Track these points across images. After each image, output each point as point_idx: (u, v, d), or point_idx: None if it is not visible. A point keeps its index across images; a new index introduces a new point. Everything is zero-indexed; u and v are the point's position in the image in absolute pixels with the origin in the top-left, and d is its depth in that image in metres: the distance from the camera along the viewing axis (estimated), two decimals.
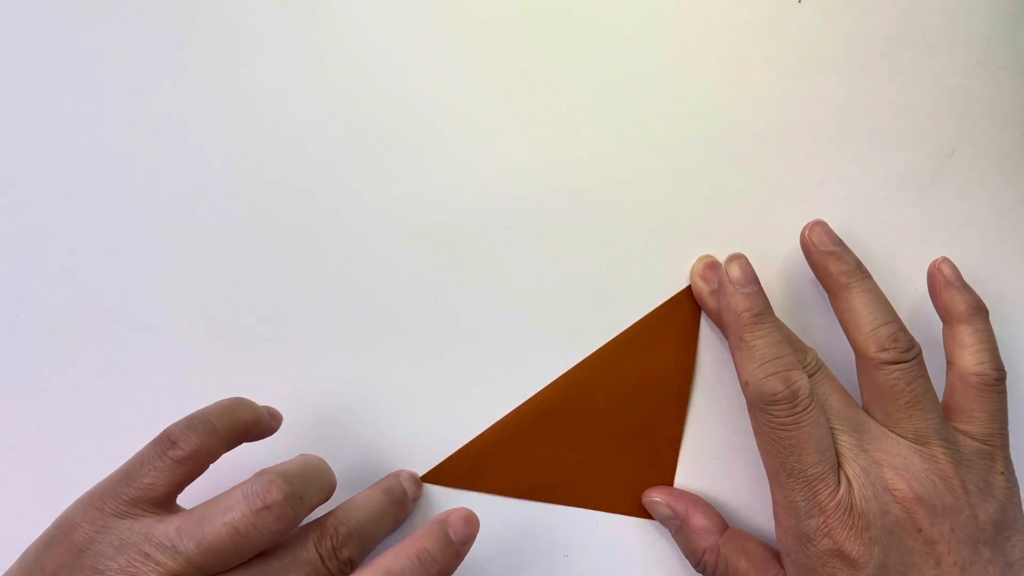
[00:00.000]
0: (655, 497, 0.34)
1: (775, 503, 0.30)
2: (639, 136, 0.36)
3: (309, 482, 0.29)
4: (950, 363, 0.32)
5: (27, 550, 0.28)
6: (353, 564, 0.29)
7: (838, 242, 0.33)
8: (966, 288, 0.33)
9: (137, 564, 0.26)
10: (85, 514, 0.27)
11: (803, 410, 0.29)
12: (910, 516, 0.28)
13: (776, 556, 0.32)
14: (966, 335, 0.32)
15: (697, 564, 0.33)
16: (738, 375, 0.31)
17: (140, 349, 0.35)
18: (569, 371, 0.35)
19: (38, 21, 0.36)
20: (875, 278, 0.35)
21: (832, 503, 0.28)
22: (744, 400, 0.31)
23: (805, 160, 0.36)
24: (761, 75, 0.36)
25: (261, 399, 0.35)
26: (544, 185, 0.36)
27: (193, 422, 0.29)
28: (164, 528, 0.26)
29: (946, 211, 0.36)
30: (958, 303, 0.32)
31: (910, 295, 0.35)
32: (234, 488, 0.28)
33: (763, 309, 0.31)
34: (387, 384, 0.35)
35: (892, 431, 0.30)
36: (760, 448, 0.30)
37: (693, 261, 0.35)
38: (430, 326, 0.35)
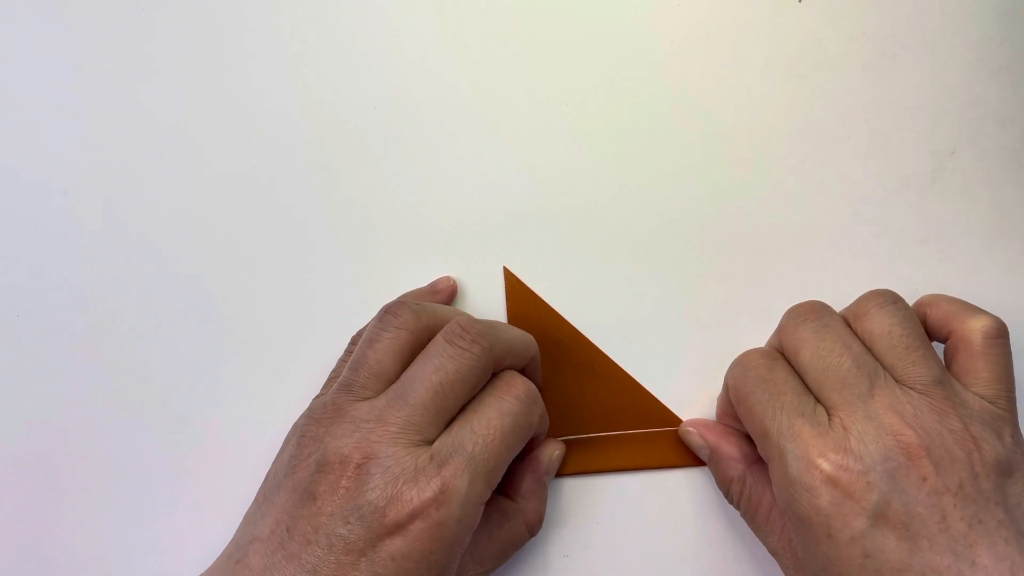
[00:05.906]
0: (689, 427, 0.34)
1: (770, 467, 0.29)
2: (639, 136, 0.36)
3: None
4: (949, 333, 0.31)
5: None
6: (493, 351, 0.30)
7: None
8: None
9: None
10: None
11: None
12: (914, 464, 0.27)
13: None
14: (958, 305, 0.31)
15: (727, 494, 0.33)
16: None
17: (140, 349, 0.35)
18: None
19: (36, 22, 0.37)
20: (875, 278, 0.35)
21: (822, 442, 0.27)
22: None
23: (805, 160, 0.36)
24: (761, 75, 0.36)
25: (263, 399, 0.35)
26: (543, 185, 0.36)
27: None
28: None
29: (946, 211, 0.36)
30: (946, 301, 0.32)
31: (909, 297, 0.35)
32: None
33: None
34: None
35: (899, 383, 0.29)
36: (746, 413, 0.30)
37: (691, 261, 0.35)
38: None
